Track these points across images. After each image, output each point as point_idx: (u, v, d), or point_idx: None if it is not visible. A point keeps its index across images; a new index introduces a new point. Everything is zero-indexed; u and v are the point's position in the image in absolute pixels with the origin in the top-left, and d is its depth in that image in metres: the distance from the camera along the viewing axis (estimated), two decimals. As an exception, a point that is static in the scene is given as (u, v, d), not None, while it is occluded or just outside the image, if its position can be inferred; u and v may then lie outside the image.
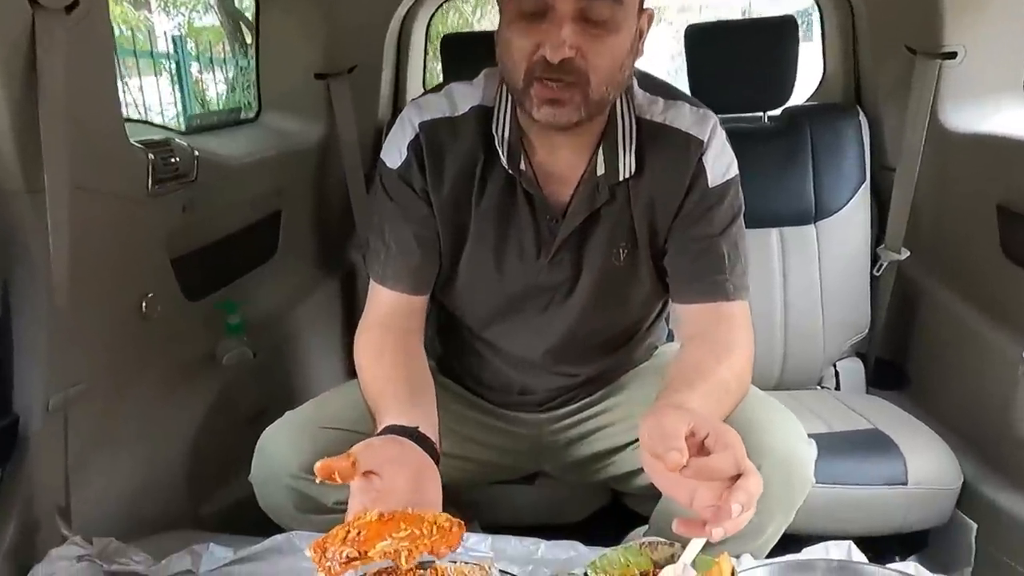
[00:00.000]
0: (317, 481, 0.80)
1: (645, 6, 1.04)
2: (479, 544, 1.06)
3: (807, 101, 2.09)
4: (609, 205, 1.11)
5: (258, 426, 1.14)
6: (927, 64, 1.67)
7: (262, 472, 1.11)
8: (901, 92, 1.75)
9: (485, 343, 1.23)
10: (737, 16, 4.55)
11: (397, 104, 2.20)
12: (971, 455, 1.53)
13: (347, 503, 0.84)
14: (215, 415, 1.52)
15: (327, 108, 1.96)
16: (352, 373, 1.13)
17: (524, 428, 1.30)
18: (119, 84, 1.26)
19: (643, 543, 0.96)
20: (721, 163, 1.11)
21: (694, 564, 0.84)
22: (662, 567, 0.88)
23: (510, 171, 1.09)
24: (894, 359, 1.91)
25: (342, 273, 2.12)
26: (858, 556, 0.99)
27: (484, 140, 1.10)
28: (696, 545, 0.83)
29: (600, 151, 1.09)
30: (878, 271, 1.85)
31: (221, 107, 4.39)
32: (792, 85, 1.87)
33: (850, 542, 1.00)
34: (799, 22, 1.88)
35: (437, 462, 0.94)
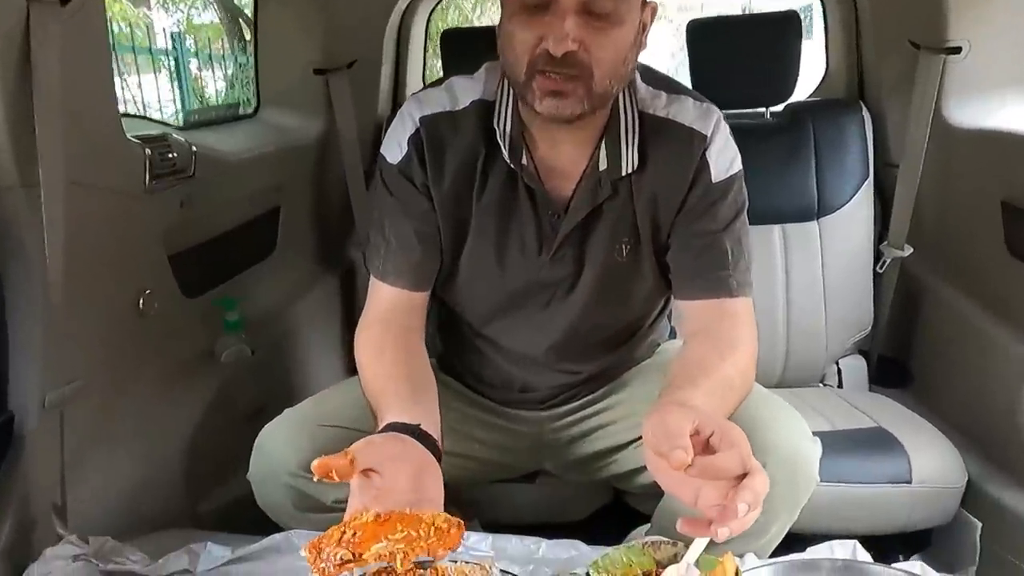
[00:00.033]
0: (315, 479, 0.79)
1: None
2: (480, 543, 1.05)
3: (810, 97, 2.08)
4: (611, 200, 1.10)
5: (257, 424, 1.13)
6: (931, 59, 1.65)
7: (260, 470, 1.10)
8: (905, 87, 1.73)
9: (486, 340, 1.22)
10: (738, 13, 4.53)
11: (397, 100, 2.18)
12: (975, 453, 1.51)
13: (347, 501, 0.83)
14: (213, 413, 1.51)
15: (326, 104, 1.95)
16: (351, 370, 1.12)
17: (525, 426, 1.29)
18: (118, 81, 1.25)
19: (645, 542, 0.96)
20: (725, 158, 1.10)
21: (698, 564, 0.83)
22: (665, 567, 0.87)
23: (512, 166, 1.08)
24: (897, 357, 1.90)
25: (341, 270, 2.11)
26: (863, 555, 0.99)
27: (485, 134, 1.09)
28: (700, 545, 0.82)
29: (602, 146, 1.08)
30: (881, 268, 1.83)
31: (220, 104, 4.39)
32: (795, 81, 1.85)
33: (855, 541, 0.99)
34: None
35: (439, 460, 0.92)
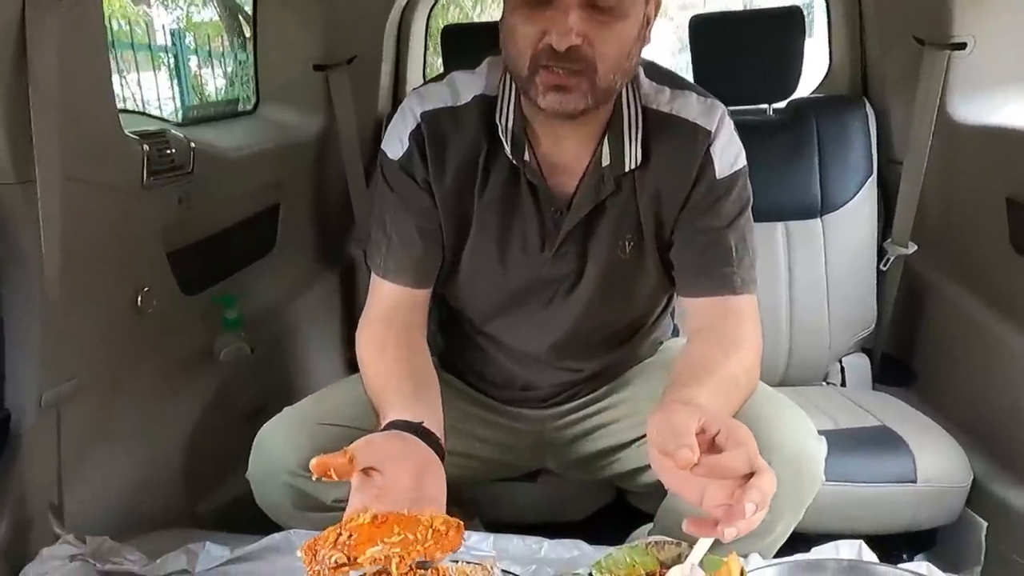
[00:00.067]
0: (313, 478, 0.78)
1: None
2: (481, 543, 1.05)
3: (813, 93, 2.07)
4: (614, 196, 1.09)
5: (256, 422, 1.12)
6: (935, 55, 1.64)
7: (259, 469, 1.09)
8: (909, 84, 1.72)
9: (488, 338, 1.21)
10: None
11: (397, 96, 2.18)
12: (980, 452, 1.50)
13: (347, 501, 0.82)
14: (212, 411, 1.50)
15: (326, 100, 1.94)
16: (352, 369, 1.11)
17: (527, 425, 1.28)
18: (117, 78, 1.25)
19: (649, 542, 0.95)
20: (729, 154, 1.09)
21: (702, 564, 0.82)
22: (669, 567, 0.86)
23: (514, 162, 1.07)
24: (900, 355, 1.89)
25: (341, 267, 2.10)
26: (869, 556, 0.98)
27: (487, 130, 1.08)
28: (704, 545, 0.81)
29: (605, 141, 1.07)
30: (885, 266, 1.82)
31: (219, 100, 4.38)
32: (798, 77, 1.84)
33: (861, 541, 0.98)
34: (798, 17, 1.85)
35: (442, 458, 0.91)
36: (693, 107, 1.09)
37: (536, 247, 1.11)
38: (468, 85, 1.10)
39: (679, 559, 0.91)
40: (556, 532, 1.07)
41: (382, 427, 0.93)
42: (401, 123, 1.10)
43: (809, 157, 1.83)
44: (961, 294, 1.68)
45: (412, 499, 0.81)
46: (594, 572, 0.90)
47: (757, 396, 1.03)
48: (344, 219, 2.05)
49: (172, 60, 4.49)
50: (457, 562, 0.87)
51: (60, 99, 1.02)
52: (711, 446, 0.77)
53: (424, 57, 2.31)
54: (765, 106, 1.92)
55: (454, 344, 1.28)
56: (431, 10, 2.28)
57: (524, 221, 1.10)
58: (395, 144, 1.11)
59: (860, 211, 1.83)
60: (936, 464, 1.45)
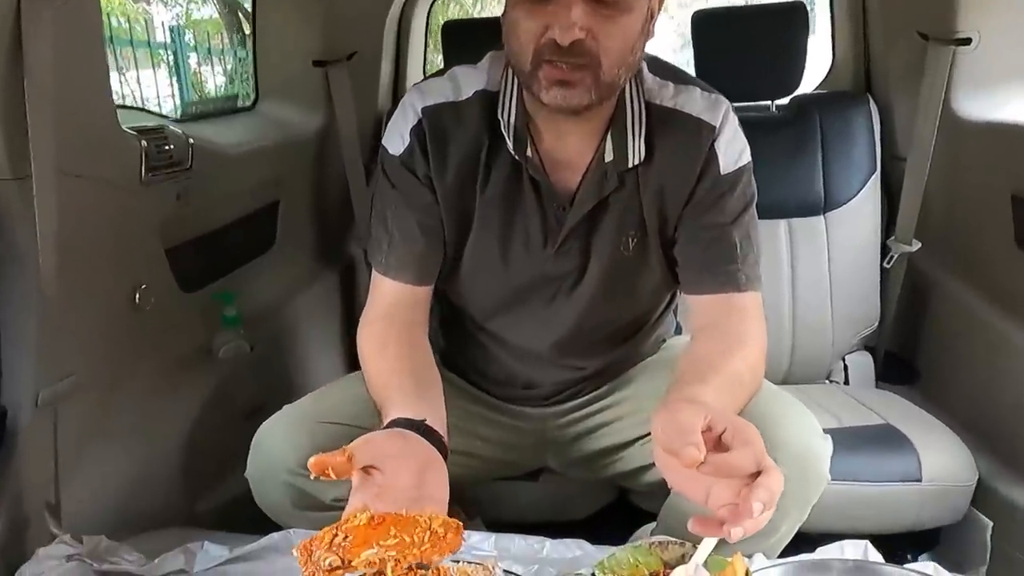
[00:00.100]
0: (311, 477, 0.77)
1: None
2: (482, 543, 1.04)
3: (816, 89, 2.06)
4: (618, 192, 1.08)
5: (255, 421, 1.11)
6: (940, 50, 1.63)
7: (258, 468, 1.08)
8: (913, 79, 1.71)
9: (489, 335, 1.20)
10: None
11: (397, 93, 2.16)
12: (985, 451, 1.49)
13: (347, 500, 0.81)
14: (211, 409, 1.49)
15: (326, 96, 1.93)
16: (352, 367, 1.10)
17: (529, 423, 1.27)
18: (116, 76, 1.24)
19: (652, 542, 0.94)
20: (733, 149, 1.08)
21: (706, 564, 0.81)
22: (673, 567, 0.85)
23: (516, 157, 1.06)
24: (903, 353, 1.88)
25: (341, 265, 2.09)
26: (874, 556, 0.97)
27: (489, 125, 1.07)
28: (708, 545, 0.80)
29: (609, 137, 1.06)
30: (888, 263, 1.81)
31: (218, 96, 4.37)
32: (801, 73, 1.83)
33: (866, 542, 0.98)
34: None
35: (445, 457, 0.90)
36: (697, 102, 1.08)
37: (539, 244, 1.10)
38: (470, 80, 1.09)
39: (683, 559, 0.90)
40: (558, 531, 1.07)
41: (384, 425, 0.92)
42: (402, 118, 1.09)
43: (812, 154, 1.82)
44: (965, 291, 1.67)
45: (413, 498, 0.80)
46: (597, 572, 0.89)
47: (762, 394, 1.02)
48: (344, 216, 2.04)
49: (171, 57, 4.47)
50: (458, 562, 0.87)
51: (56, 93, 1.00)
52: (717, 444, 0.76)
53: (424, 54, 2.29)
54: (768, 102, 1.91)
55: (455, 342, 1.26)
56: (431, 6, 2.26)
57: (526, 217, 1.09)
58: (396, 140, 1.09)
59: (863, 208, 1.82)
60: (941, 463, 1.44)
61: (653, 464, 1.15)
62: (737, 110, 1.12)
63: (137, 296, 1.27)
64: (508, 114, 1.06)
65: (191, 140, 1.39)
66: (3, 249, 1.03)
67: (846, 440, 1.42)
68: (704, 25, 1.86)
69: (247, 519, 1.11)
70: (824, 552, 0.96)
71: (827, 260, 1.82)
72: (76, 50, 1.09)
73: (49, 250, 1.02)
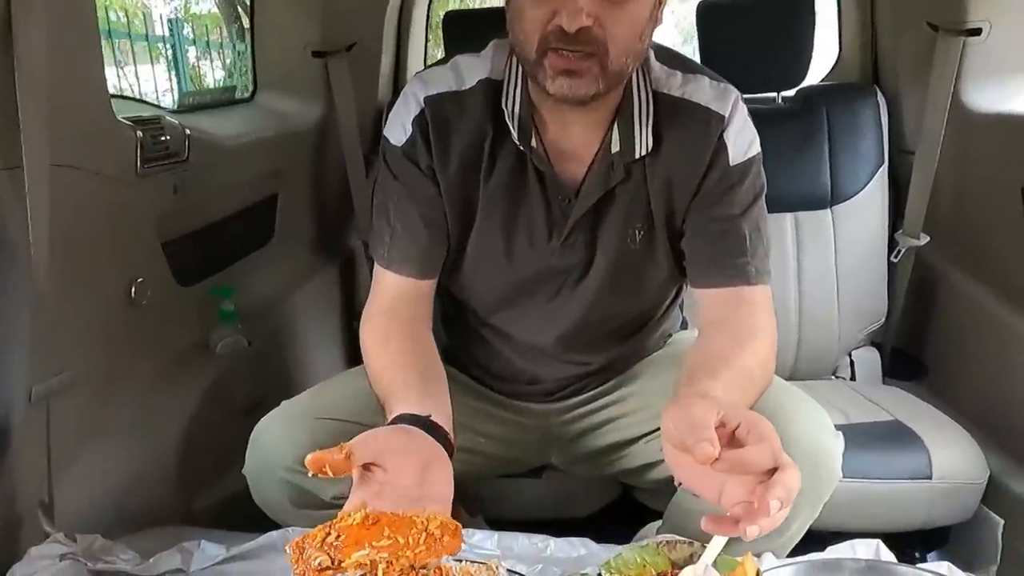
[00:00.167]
0: (309, 475, 0.75)
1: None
2: (485, 541, 1.02)
3: (823, 81, 2.04)
4: (624, 184, 1.06)
5: (253, 417, 1.09)
6: (950, 41, 1.61)
7: (256, 465, 1.06)
8: (922, 71, 1.69)
9: (493, 330, 1.19)
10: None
11: (397, 84, 2.14)
12: (995, 448, 1.47)
13: (347, 498, 0.79)
14: (208, 406, 1.47)
15: (325, 88, 1.91)
16: (351, 362, 1.08)
17: (533, 419, 1.25)
18: (115, 70, 1.21)
19: (660, 542, 0.92)
20: (743, 140, 1.06)
21: (716, 564, 0.79)
22: (681, 567, 0.84)
23: (521, 148, 1.04)
24: (911, 348, 1.86)
25: (341, 259, 2.07)
26: (887, 555, 0.95)
27: (493, 115, 1.05)
28: (718, 544, 0.78)
29: (615, 127, 1.04)
30: (896, 257, 1.79)
31: (216, 87, 4.35)
32: (808, 64, 1.81)
33: (878, 541, 0.96)
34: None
35: (451, 454, 0.88)
36: (706, 91, 1.06)
37: (543, 237, 1.08)
38: (473, 69, 1.07)
39: (691, 559, 0.89)
40: (561, 529, 1.05)
41: (388, 421, 0.91)
42: (404, 108, 1.08)
43: (819, 146, 1.80)
44: (974, 286, 1.65)
45: (415, 497, 0.78)
46: (603, 572, 0.87)
47: (772, 389, 1.00)
48: (344, 209, 2.02)
49: (170, 51, 4.45)
50: (461, 561, 0.85)
51: (48, 82, 0.98)
52: (731, 440, 0.74)
53: (425, 45, 2.27)
54: (774, 94, 1.89)
55: (458, 337, 1.25)
56: (432, -5, 2.24)
57: (531, 210, 1.07)
58: (398, 130, 1.08)
59: (871, 201, 1.80)
60: (952, 460, 1.42)
61: (658, 461, 1.15)
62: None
63: (133, 290, 1.25)
64: (512, 103, 1.04)
65: (188, 131, 1.37)
66: (-6, 241, 1.01)
67: (855, 437, 1.40)
68: (709, 16, 1.84)
69: (245, 517, 1.10)
70: (835, 551, 0.95)
71: (834, 254, 1.80)
72: (68, 37, 1.06)
73: (41, 243, 1.00)
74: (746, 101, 1.11)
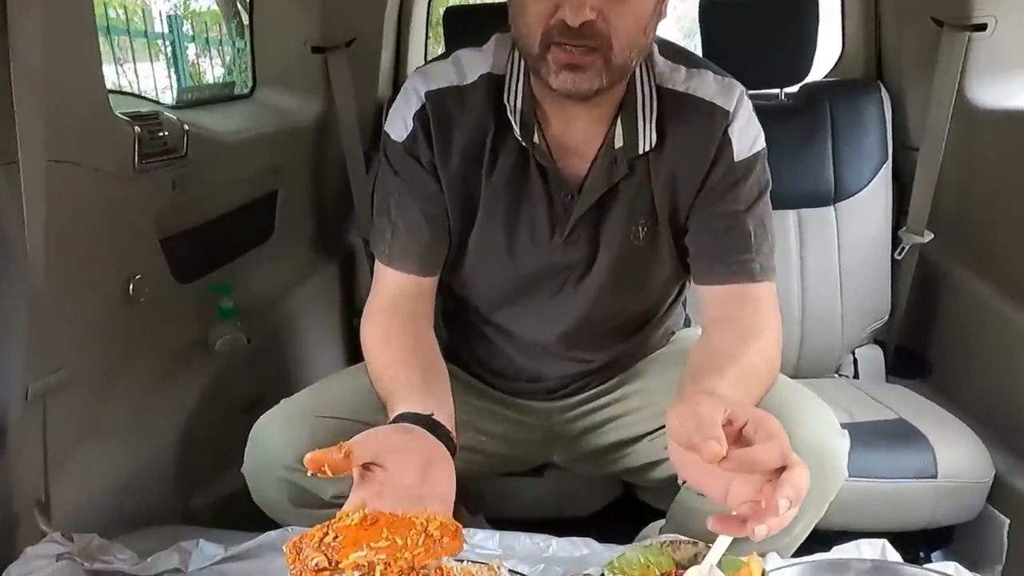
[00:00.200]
0: (308, 474, 0.74)
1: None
2: (486, 541, 1.02)
3: (826, 77, 2.02)
4: (628, 180, 1.05)
5: (252, 415, 1.08)
6: (954, 37, 1.60)
7: (255, 464, 1.05)
8: (926, 67, 1.68)
9: (495, 328, 1.18)
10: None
11: (397, 80, 2.13)
12: (1000, 447, 1.46)
13: (347, 497, 0.78)
14: (207, 403, 1.46)
15: (325, 84, 1.89)
16: (351, 360, 1.07)
17: (535, 417, 1.24)
18: (113, 67, 1.20)
19: (664, 541, 0.91)
20: (748, 135, 1.05)
21: (720, 564, 0.78)
22: (685, 567, 0.83)
23: (523, 143, 1.03)
24: (914, 346, 1.85)
25: (341, 256, 2.06)
26: (893, 555, 0.94)
27: (495, 110, 1.04)
28: (722, 544, 0.77)
29: (618, 122, 1.03)
30: (899, 254, 1.78)
31: (215, 83, 4.33)
32: (811, 60, 1.80)
33: (884, 541, 0.95)
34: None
35: (453, 453, 0.87)
36: (710, 86, 1.05)
37: (546, 233, 1.07)
38: (475, 63, 1.06)
39: (696, 559, 0.88)
40: (563, 528, 1.05)
41: (390, 420, 0.90)
42: (405, 103, 1.06)
43: (822, 143, 1.79)
44: (978, 283, 1.64)
45: (415, 496, 0.77)
46: (606, 573, 0.86)
47: (777, 387, 0.98)
48: (344, 206, 2.01)
49: (169, 48, 4.44)
50: (463, 561, 0.84)
51: (44, 77, 0.97)
52: (738, 438, 0.73)
53: (426, 41, 2.26)
54: (777, 90, 1.88)
55: (460, 334, 1.24)
56: (433, -9, 2.23)
57: (533, 206, 1.06)
58: (399, 125, 1.06)
59: (874, 198, 1.79)
60: (957, 459, 1.40)
61: (662, 460, 1.14)
62: None
63: (131, 287, 1.24)
64: (514, 98, 1.03)
65: (186, 127, 1.36)
66: (-11, 237, 1.00)
67: (860, 435, 1.40)
68: (712, 12, 1.83)
69: (244, 516, 1.09)
70: (841, 551, 0.94)
71: (837, 251, 1.79)
72: (65, 31, 1.05)
73: (38, 239, 0.98)
74: (749, 97, 1.10)
